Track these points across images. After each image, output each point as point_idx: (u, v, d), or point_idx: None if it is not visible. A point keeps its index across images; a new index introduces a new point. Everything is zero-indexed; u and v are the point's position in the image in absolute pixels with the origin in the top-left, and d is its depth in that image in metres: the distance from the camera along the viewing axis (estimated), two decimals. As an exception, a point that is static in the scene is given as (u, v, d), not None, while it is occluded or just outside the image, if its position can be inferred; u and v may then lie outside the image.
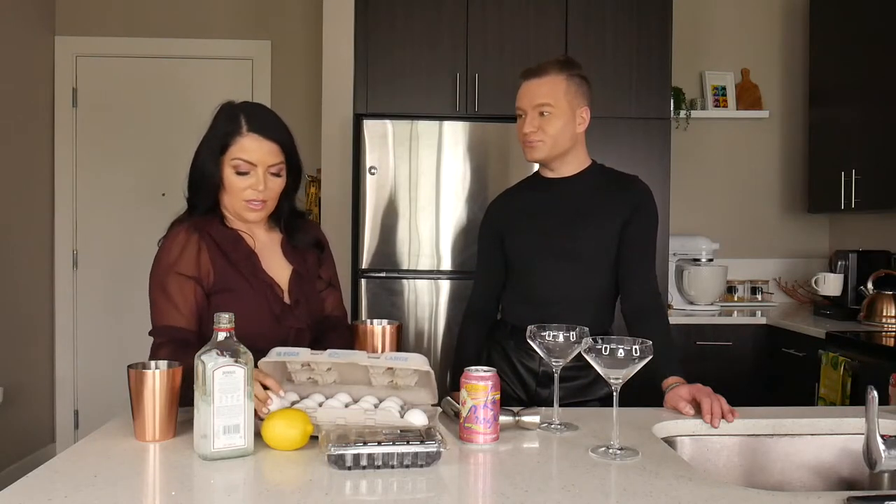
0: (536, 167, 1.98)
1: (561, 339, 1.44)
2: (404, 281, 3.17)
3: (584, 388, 1.86)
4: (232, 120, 1.59)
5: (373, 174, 3.16)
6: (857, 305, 3.30)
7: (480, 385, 1.36)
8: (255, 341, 1.38)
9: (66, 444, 3.95)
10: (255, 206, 1.60)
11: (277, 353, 1.43)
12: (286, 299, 1.65)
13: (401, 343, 1.63)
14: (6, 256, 3.58)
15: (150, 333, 1.58)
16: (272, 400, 1.38)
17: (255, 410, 1.33)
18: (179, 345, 1.54)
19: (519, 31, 3.26)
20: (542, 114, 1.82)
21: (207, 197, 1.63)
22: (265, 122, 1.61)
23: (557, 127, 1.83)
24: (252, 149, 1.57)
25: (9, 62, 3.60)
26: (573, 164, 1.91)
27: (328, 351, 1.43)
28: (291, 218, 1.73)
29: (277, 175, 1.62)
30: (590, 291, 1.88)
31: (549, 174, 1.93)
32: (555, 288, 1.87)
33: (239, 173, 1.58)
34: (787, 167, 4.03)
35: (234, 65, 4.03)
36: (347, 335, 1.72)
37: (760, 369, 3.35)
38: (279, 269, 1.67)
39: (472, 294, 2.07)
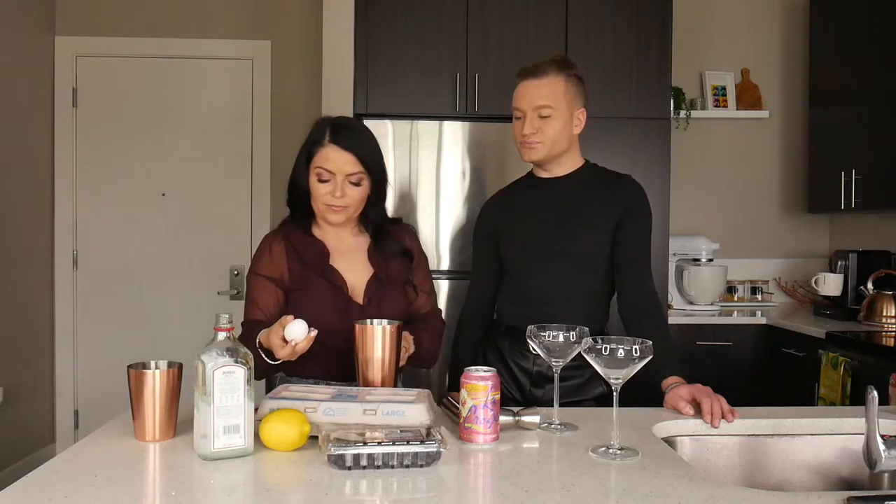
0: (531, 166, 1.98)
1: (561, 339, 1.44)
2: (404, 281, 3.16)
3: (578, 388, 1.86)
4: (320, 131, 1.76)
5: (373, 174, 3.15)
6: (857, 305, 3.30)
7: (480, 385, 1.36)
8: (322, 335, 1.53)
9: (66, 444, 3.95)
10: (335, 209, 1.74)
11: (270, 409, 1.35)
12: (359, 299, 1.76)
13: (400, 343, 1.62)
14: (6, 257, 3.58)
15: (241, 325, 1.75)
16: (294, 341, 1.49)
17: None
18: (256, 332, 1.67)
19: (519, 31, 3.26)
20: (541, 115, 1.82)
21: (300, 201, 1.79)
22: (348, 135, 1.75)
23: (557, 129, 1.83)
24: (331, 159, 1.72)
25: (9, 62, 3.60)
26: (567, 165, 1.92)
27: (323, 406, 1.37)
28: (381, 224, 1.84)
29: (357, 184, 1.74)
30: (584, 291, 1.89)
31: (543, 174, 1.94)
32: (549, 287, 1.88)
33: (321, 181, 1.73)
34: (787, 167, 4.03)
35: (234, 65, 4.03)
36: (435, 326, 1.87)
37: (760, 369, 3.35)
38: (360, 272, 1.79)
39: (469, 295, 2.07)
